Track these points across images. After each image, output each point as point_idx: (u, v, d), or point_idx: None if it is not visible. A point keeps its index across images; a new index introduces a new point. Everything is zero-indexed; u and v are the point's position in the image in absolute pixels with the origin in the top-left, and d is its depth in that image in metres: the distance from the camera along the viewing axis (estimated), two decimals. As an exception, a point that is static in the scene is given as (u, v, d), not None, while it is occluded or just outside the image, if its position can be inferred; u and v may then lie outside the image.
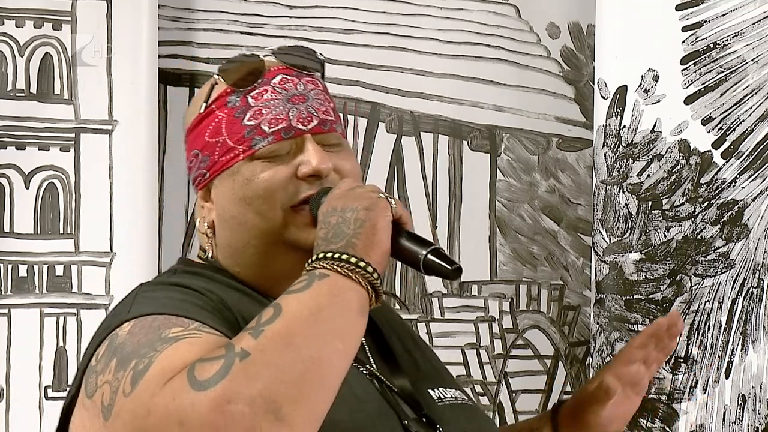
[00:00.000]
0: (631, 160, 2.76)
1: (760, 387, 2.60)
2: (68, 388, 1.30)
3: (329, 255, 1.22)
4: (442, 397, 1.42)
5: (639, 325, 2.78)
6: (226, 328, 1.23)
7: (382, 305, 1.28)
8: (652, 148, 2.74)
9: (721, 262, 2.65)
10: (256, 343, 1.12)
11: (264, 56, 1.41)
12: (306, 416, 1.11)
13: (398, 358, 1.42)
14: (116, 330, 1.23)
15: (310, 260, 1.24)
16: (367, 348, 1.39)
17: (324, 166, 1.35)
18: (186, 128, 1.42)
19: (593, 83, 2.85)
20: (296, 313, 1.16)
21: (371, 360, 1.39)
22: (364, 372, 1.35)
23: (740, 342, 2.61)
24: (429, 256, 1.29)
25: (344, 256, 1.22)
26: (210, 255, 1.39)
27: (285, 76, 1.39)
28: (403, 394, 1.36)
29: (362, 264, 1.22)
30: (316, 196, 1.35)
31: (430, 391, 1.41)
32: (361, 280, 1.21)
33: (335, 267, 1.21)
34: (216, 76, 1.40)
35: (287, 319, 1.15)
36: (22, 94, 2.59)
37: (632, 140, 2.76)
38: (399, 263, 2.98)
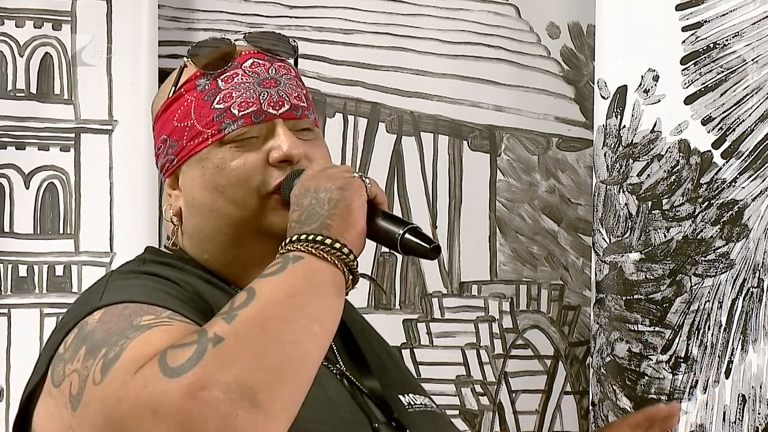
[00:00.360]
0: (631, 160, 2.76)
1: (760, 387, 2.60)
2: (30, 375, 1.25)
3: (303, 237, 1.19)
4: (412, 403, 1.38)
5: (639, 325, 2.78)
6: (199, 317, 1.20)
7: (347, 306, 1.26)
8: (652, 148, 2.74)
9: (721, 262, 2.65)
10: (230, 328, 1.09)
11: (235, 40, 1.38)
12: (283, 402, 1.08)
13: (368, 360, 1.39)
14: (86, 318, 1.19)
15: (283, 243, 1.20)
16: (335, 347, 1.35)
17: (296, 151, 1.31)
18: (154, 114, 1.39)
19: (593, 83, 2.85)
20: (271, 296, 1.13)
21: (339, 359, 1.36)
22: (335, 372, 1.33)
23: (740, 342, 2.61)
24: (406, 235, 1.24)
25: (319, 238, 1.18)
26: (176, 243, 1.37)
27: (256, 60, 1.35)
28: (373, 396, 1.33)
29: (337, 245, 1.18)
30: (286, 180, 1.31)
31: (401, 396, 1.38)
32: (336, 262, 1.18)
33: (310, 249, 1.18)
34: (185, 59, 1.36)
35: (261, 303, 1.12)
36: (22, 94, 2.59)
37: (632, 140, 2.76)
38: (399, 263, 2.99)
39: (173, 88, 1.36)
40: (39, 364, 1.24)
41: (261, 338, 1.09)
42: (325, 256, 1.17)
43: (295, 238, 1.20)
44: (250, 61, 1.34)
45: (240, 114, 1.31)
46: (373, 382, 1.34)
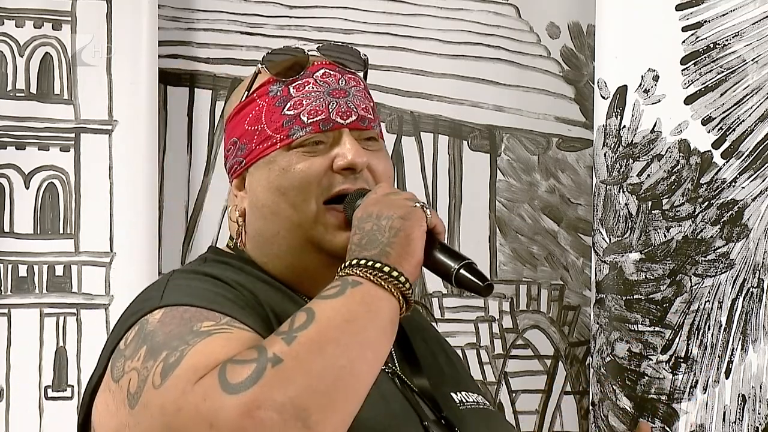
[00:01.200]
0: (631, 160, 2.76)
1: (760, 387, 2.60)
2: (95, 367, 1.29)
3: (363, 262, 1.22)
4: (464, 400, 1.41)
5: (639, 325, 2.78)
6: (257, 323, 1.23)
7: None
8: (652, 148, 2.74)
9: (721, 262, 2.65)
10: (289, 350, 1.12)
11: (309, 51, 1.43)
12: (333, 424, 1.12)
13: (420, 359, 1.42)
14: (147, 316, 1.22)
15: (342, 265, 1.24)
16: (391, 348, 1.37)
17: (360, 159, 1.35)
18: (227, 117, 1.43)
19: (593, 83, 2.85)
20: (329, 320, 1.16)
21: (394, 359, 1.39)
22: (387, 371, 1.35)
23: (740, 342, 2.61)
24: (462, 270, 1.28)
25: (378, 265, 1.22)
26: (239, 244, 1.39)
27: (327, 70, 1.40)
28: (423, 394, 1.36)
29: (395, 273, 1.22)
30: (350, 198, 1.35)
31: (453, 394, 1.41)
32: (393, 290, 1.21)
33: (368, 275, 1.21)
34: (260, 65, 1.41)
35: (320, 326, 1.15)
36: (22, 94, 2.59)
37: (632, 140, 2.76)
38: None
39: (246, 92, 1.40)
40: (101, 358, 1.28)
41: (318, 361, 1.12)
42: (383, 283, 1.21)
43: (354, 262, 1.23)
44: (322, 71, 1.40)
45: (309, 121, 1.36)
46: (423, 381, 1.37)
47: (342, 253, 1.29)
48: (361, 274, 1.21)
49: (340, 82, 1.39)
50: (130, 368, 1.18)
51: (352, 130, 1.37)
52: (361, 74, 1.44)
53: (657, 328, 2.73)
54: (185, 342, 1.16)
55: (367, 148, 1.38)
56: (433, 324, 1.57)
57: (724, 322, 2.63)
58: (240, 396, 1.08)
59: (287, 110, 1.37)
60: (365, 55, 1.45)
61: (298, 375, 1.10)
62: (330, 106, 1.36)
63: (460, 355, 2.86)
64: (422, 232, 1.28)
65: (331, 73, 1.40)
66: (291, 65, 1.40)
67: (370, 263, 1.22)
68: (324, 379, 1.11)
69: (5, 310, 2.60)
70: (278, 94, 1.38)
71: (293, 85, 1.38)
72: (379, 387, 1.25)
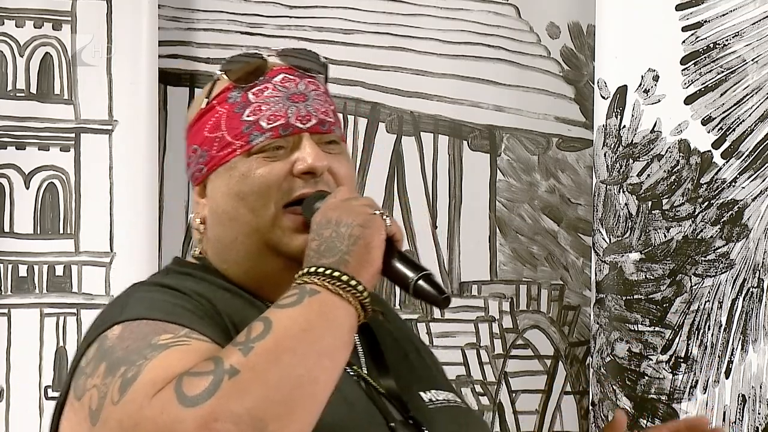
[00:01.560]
0: (631, 160, 2.76)
1: (760, 387, 2.60)
2: (63, 386, 1.29)
3: (321, 270, 1.22)
4: (434, 399, 1.41)
5: (639, 325, 2.78)
6: (216, 333, 1.23)
7: (382, 305, 1.28)
8: (652, 148, 2.74)
9: (721, 262, 2.65)
10: (246, 360, 1.13)
11: (267, 56, 1.42)
12: None
13: (389, 359, 1.41)
14: (106, 332, 1.23)
15: (300, 272, 1.23)
16: (358, 348, 1.38)
17: (320, 163, 1.34)
18: (187, 125, 1.43)
19: (593, 83, 2.85)
20: (286, 329, 1.16)
21: (360, 361, 1.38)
22: (351, 373, 1.34)
23: (740, 342, 2.61)
24: (420, 282, 1.27)
25: (336, 273, 1.21)
26: (200, 251, 1.40)
27: (287, 75, 1.39)
28: (390, 395, 1.35)
29: (353, 282, 1.21)
30: (309, 200, 1.34)
31: (422, 393, 1.40)
32: (351, 299, 1.21)
33: (326, 284, 1.20)
34: (219, 72, 1.41)
35: (277, 336, 1.15)
36: (22, 94, 2.59)
37: (632, 140, 2.76)
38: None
39: (206, 99, 1.41)
40: (67, 376, 1.27)
41: (275, 371, 1.13)
42: (341, 292, 1.20)
43: (312, 269, 1.22)
44: (281, 77, 1.39)
45: (268, 126, 1.35)
46: (389, 382, 1.36)
47: (299, 256, 1.28)
48: (319, 283, 1.21)
49: (299, 86, 1.39)
50: (90, 386, 1.19)
51: (312, 134, 1.36)
52: (321, 78, 1.43)
53: (657, 328, 2.73)
54: (143, 356, 1.16)
55: (329, 151, 1.37)
56: (407, 321, 1.56)
57: (724, 322, 2.63)
58: (197, 409, 1.09)
59: (246, 116, 1.36)
60: (325, 59, 1.45)
61: (254, 386, 1.11)
62: (289, 111, 1.36)
63: (461, 354, 2.87)
64: (381, 240, 1.26)
65: (291, 77, 1.39)
66: (250, 71, 1.39)
67: (328, 271, 1.21)
68: (281, 389, 1.12)
69: (5, 310, 2.60)
70: (237, 100, 1.38)
71: (252, 91, 1.38)
72: (342, 390, 1.25)
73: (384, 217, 1.28)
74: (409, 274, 1.28)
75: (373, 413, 1.31)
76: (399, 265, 1.29)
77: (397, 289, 2.96)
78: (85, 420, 1.19)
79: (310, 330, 1.17)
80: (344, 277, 1.21)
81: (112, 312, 1.28)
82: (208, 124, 1.39)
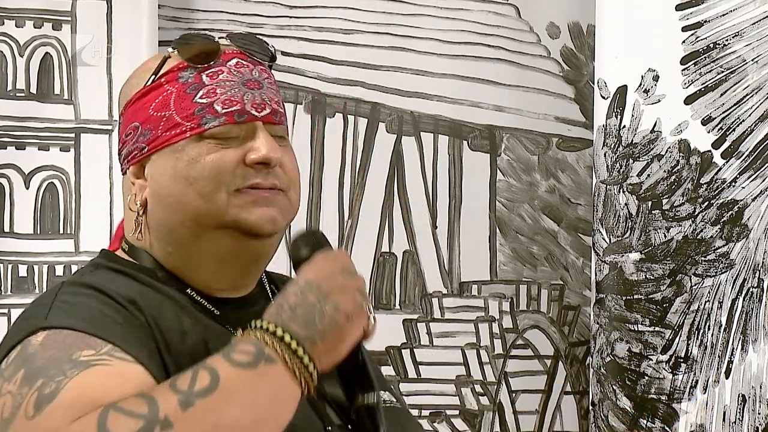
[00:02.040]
0: (631, 160, 2.76)
1: (760, 387, 2.60)
2: None
3: (286, 338, 1.16)
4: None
5: (639, 325, 2.78)
6: (141, 346, 1.19)
7: None
8: (652, 148, 2.74)
9: (721, 262, 2.65)
10: (183, 416, 1.08)
11: (218, 38, 1.38)
12: None
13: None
14: (30, 337, 1.18)
15: (265, 321, 1.17)
16: None
17: (274, 155, 1.31)
18: (126, 100, 1.37)
19: (593, 83, 2.85)
20: (231, 394, 1.11)
21: None
22: None
23: (740, 342, 2.61)
24: (362, 409, 1.25)
25: (299, 351, 1.16)
26: (137, 236, 1.34)
27: (240, 60, 1.35)
28: (332, 399, 1.33)
29: (311, 368, 1.16)
30: (299, 239, 1.30)
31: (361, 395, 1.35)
32: (303, 382, 1.16)
33: (285, 357, 1.15)
34: (171, 50, 1.36)
35: (220, 397, 1.10)
36: (22, 94, 2.59)
37: (632, 140, 2.76)
38: (399, 263, 2.99)
39: (153, 76, 1.35)
40: None
41: None
42: (296, 372, 1.15)
43: (279, 331, 1.16)
44: (235, 61, 1.35)
45: (223, 111, 1.31)
46: (334, 386, 1.32)
47: (259, 229, 1.28)
48: (279, 352, 1.15)
49: (253, 73, 1.35)
50: (6, 391, 1.14)
51: (265, 123, 1.33)
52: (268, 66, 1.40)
53: (657, 328, 2.73)
54: (62, 372, 1.12)
55: (278, 144, 1.34)
56: None
57: (724, 322, 2.63)
58: None
59: (200, 98, 1.32)
60: (273, 47, 1.39)
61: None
62: (245, 98, 1.32)
63: (461, 354, 2.87)
64: (357, 337, 1.22)
65: (244, 63, 1.35)
66: (206, 51, 1.34)
67: (293, 344, 1.16)
68: None
69: (5, 310, 2.60)
70: (189, 80, 1.33)
71: (206, 72, 1.33)
72: None
73: (369, 314, 1.24)
74: (358, 390, 1.25)
75: (311, 418, 1.29)
76: (354, 373, 1.26)
77: (397, 290, 2.97)
78: None
79: (256, 400, 1.13)
80: (305, 359, 1.16)
81: (37, 313, 1.23)
82: (155, 102, 1.33)
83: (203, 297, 1.33)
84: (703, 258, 2.66)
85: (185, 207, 1.31)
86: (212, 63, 1.34)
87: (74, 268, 2.67)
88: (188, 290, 1.33)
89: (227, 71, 1.33)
